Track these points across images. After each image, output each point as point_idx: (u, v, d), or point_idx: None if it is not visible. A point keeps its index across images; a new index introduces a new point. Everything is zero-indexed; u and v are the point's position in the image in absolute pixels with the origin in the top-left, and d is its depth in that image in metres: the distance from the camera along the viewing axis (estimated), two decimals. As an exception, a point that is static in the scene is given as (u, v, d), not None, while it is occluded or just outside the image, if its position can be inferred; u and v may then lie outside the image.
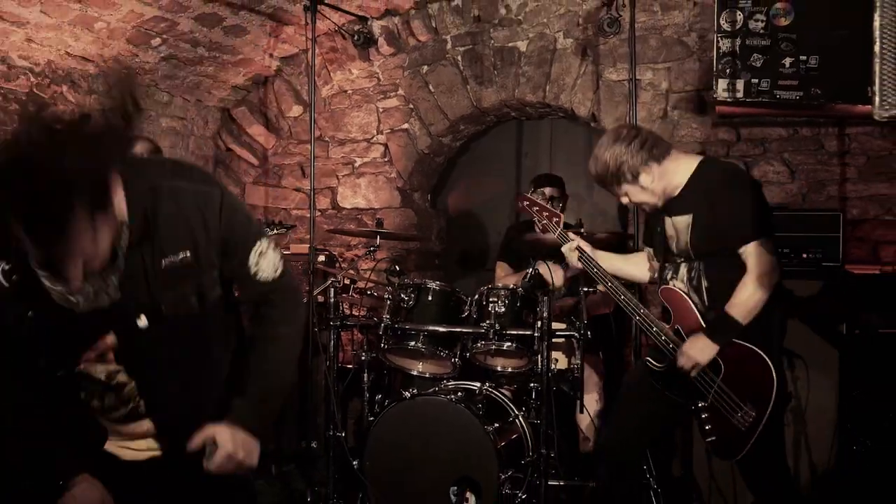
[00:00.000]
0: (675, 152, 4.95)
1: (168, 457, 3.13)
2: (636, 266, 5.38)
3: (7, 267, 2.77)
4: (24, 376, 3.02)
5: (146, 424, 3.09)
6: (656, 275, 5.22)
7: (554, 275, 6.54)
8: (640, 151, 4.80)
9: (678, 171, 4.89)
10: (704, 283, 4.81)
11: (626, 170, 4.81)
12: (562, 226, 5.43)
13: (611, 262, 5.26)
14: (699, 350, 4.72)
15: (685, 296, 4.84)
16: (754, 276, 4.63)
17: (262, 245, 3.17)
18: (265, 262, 3.15)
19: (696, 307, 4.81)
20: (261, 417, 3.10)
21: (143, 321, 2.89)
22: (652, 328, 4.93)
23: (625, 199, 5.01)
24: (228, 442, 2.90)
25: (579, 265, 5.19)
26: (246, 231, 3.16)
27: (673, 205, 4.92)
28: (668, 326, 4.91)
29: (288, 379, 3.41)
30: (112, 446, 3.12)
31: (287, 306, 3.34)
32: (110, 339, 2.96)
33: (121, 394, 3.02)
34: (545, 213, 5.49)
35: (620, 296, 5.05)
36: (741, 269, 4.68)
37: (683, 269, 4.90)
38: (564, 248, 5.23)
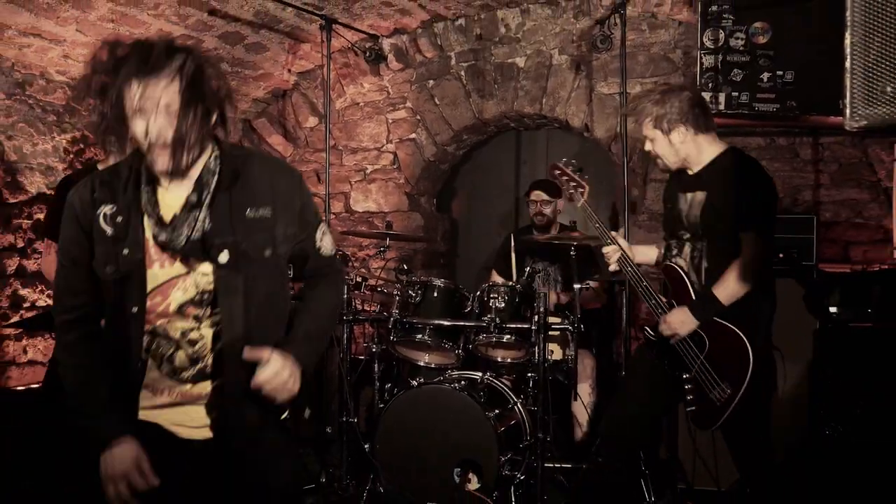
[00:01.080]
0: (713, 135, 4.91)
1: (223, 429, 3.10)
2: (654, 253, 5.38)
3: (112, 210, 2.98)
4: (100, 335, 3.14)
5: (210, 386, 3.07)
6: (662, 251, 5.22)
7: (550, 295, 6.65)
8: (689, 112, 4.78)
9: (707, 149, 4.87)
10: (704, 264, 4.80)
11: (666, 121, 4.78)
12: (586, 197, 5.40)
13: (638, 257, 5.25)
14: (679, 321, 4.74)
15: (684, 274, 4.85)
16: (745, 261, 4.61)
17: (324, 226, 3.30)
18: (327, 240, 3.32)
19: (693, 285, 4.81)
20: (306, 354, 3.11)
21: (224, 256, 2.94)
22: (652, 300, 4.93)
23: (648, 146, 4.97)
24: (279, 361, 2.91)
25: (619, 268, 5.17)
26: (315, 212, 3.31)
27: (691, 181, 4.91)
28: (664, 299, 4.92)
29: (328, 330, 3.49)
30: (168, 423, 3.09)
31: (337, 279, 3.52)
32: (189, 281, 3.00)
33: (193, 351, 3.02)
34: (573, 184, 5.48)
35: (643, 284, 5.02)
36: (737, 255, 4.68)
37: (687, 249, 4.89)
38: (607, 251, 5.19)
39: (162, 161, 2.84)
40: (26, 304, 6.79)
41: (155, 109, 2.79)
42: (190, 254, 2.96)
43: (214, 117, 2.97)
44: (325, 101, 7.47)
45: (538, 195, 7.46)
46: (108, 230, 2.97)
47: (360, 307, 7.27)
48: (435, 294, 6.82)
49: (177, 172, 2.88)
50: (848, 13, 2.53)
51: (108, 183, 3.05)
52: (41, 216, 6.66)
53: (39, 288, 6.81)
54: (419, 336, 6.74)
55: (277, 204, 3.09)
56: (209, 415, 3.10)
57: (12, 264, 6.66)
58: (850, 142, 7.31)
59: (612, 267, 5.18)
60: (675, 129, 4.80)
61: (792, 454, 6.27)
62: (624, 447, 5.10)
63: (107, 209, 2.99)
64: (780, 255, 6.61)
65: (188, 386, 3.06)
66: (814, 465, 6.23)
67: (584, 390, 6.94)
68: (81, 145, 7.18)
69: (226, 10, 6.86)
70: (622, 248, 5.12)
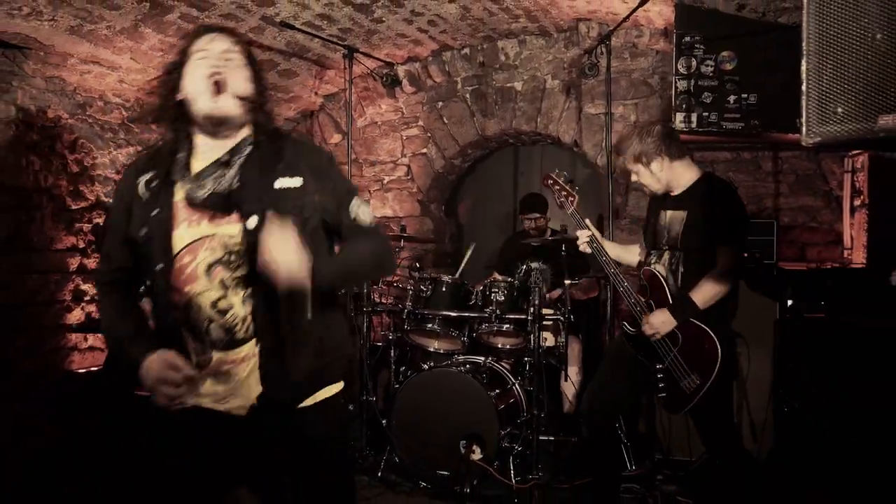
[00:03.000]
0: (687, 160, 4.98)
1: (266, 394, 2.92)
2: (631, 253, 5.39)
3: (149, 177, 2.94)
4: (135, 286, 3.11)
5: (243, 351, 2.88)
6: (644, 259, 5.25)
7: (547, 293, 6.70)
8: (661, 144, 4.88)
9: (685, 174, 4.95)
10: (681, 270, 4.83)
11: (644, 155, 4.89)
12: (575, 205, 5.42)
13: (613, 249, 5.28)
14: (660, 322, 4.76)
15: (662, 279, 4.87)
16: (719, 272, 4.68)
17: (359, 199, 3.10)
18: (364, 210, 3.08)
19: (669, 288, 4.83)
20: (332, 273, 2.89)
21: (252, 222, 2.79)
22: (630, 298, 4.95)
23: (634, 177, 5.07)
24: (292, 240, 2.64)
25: (589, 250, 5.19)
26: (350, 186, 3.16)
27: (673, 201, 4.96)
28: (644, 299, 4.94)
29: (364, 269, 3.20)
30: (212, 402, 2.96)
31: (378, 238, 3.20)
32: (216, 242, 2.86)
33: (224, 321, 2.85)
34: (564, 193, 5.50)
35: (611, 269, 5.06)
36: (711, 265, 4.72)
37: (667, 256, 4.91)
38: (580, 233, 5.23)
39: (207, 104, 2.85)
40: (86, 298, 6.80)
41: (217, 50, 2.89)
42: (213, 207, 2.85)
43: (257, 96, 2.96)
44: (347, 121, 7.47)
45: (534, 216, 7.49)
46: (145, 195, 2.93)
47: (378, 300, 7.27)
48: (443, 289, 6.85)
49: (222, 120, 2.88)
50: (804, 44, 2.53)
51: (151, 156, 3.06)
52: (100, 220, 6.67)
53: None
54: (430, 325, 6.78)
55: (307, 176, 2.96)
56: (247, 383, 2.93)
57: (74, 262, 6.67)
58: (805, 156, 7.32)
59: (582, 247, 5.22)
60: (653, 161, 4.90)
61: (756, 429, 6.27)
62: (600, 421, 5.10)
63: (146, 177, 2.96)
64: (745, 255, 6.62)
65: (222, 354, 2.90)
66: (776, 438, 6.24)
67: (573, 372, 6.95)
68: (135, 158, 7.18)
69: (261, 41, 6.87)
70: (593, 233, 5.17)
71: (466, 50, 8.44)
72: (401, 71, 8.65)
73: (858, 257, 6.85)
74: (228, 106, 2.86)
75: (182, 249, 2.87)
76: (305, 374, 3.00)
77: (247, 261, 2.82)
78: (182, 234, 2.87)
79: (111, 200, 3.07)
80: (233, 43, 2.95)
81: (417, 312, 6.81)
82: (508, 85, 8.39)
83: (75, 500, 5.80)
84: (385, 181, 9.07)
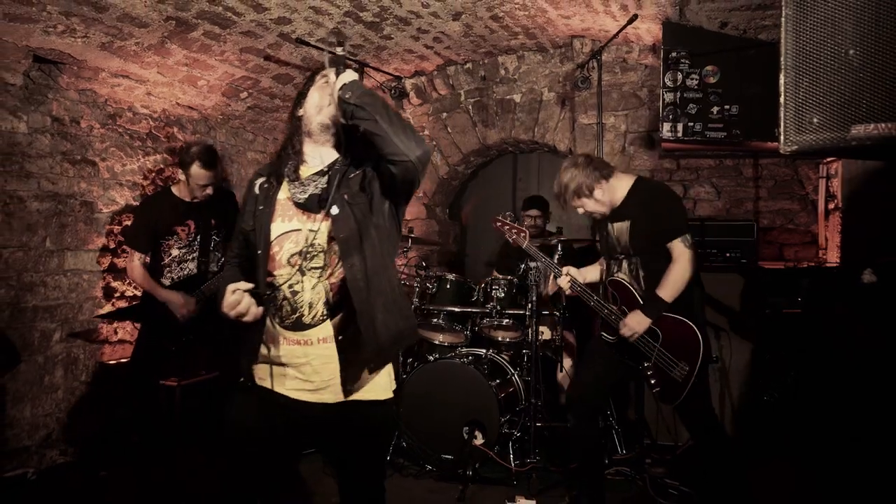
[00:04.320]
0: (617, 172, 5.00)
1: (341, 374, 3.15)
2: (596, 271, 5.40)
3: (263, 181, 3.31)
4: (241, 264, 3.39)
5: (304, 335, 3.11)
6: (604, 270, 5.26)
7: (549, 284, 6.71)
8: (593, 172, 4.88)
9: (619, 186, 4.95)
10: (642, 273, 4.86)
11: (584, 187, 4.88)
12: (528, 239, 5.46)
13: (588, 275, 5.29)
14: (636, 322, 4.78)
15: (627, 284, 4.89)
16: (678, 264, 4.71)
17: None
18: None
19: (636, 291, 4.85)
20: (367, 94, 3.08)
21: (335, 209, 3.07)
22: (604, 310, 4.97)
23: (580, 210, 5.04)
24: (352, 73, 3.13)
25: (571, 292, 5.21)
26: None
27: (615, 214, 4.97)
28: (616, 307, 4.95)
29: (395, 114, 3.14)
30: (287, 389, 3.16)
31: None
32: (300, 236, 3.14)
33: (294, 301, 3.11)
34: (514, 231, 5.54)
35: (592, 299, 5.06)
36: (668, 260, 4.75)
37: (625, 264, 4.93)
38: (560, 281, 5.23)
39: (327, 112, 3.19)
40: (117, 294, 6.80)
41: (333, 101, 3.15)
42: (308, 206, 3.14)
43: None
44: (358, 130, 7.46)
45: (533, 212, 7.47)
46: (259, 195, 3.28)
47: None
48: (448, 286, 6.88)
49: (328, 125, 3.20)
50: (782, 59, 2.53)
51: (267, 167, 3.39)
52: (129, 223, 6.67)
53: (127, 281, 6.83)
54: (435, 320, 6.80)
55: (369, 163, 3.19)
56: (319, 369, 3.14)
57: (105, 262, 6.67)
58: (783, 162, 7.32)
59: (567, 292, 5.23)
60: (594, 189, 4.91)
61: (737, 416, 6.28)
62: (586, 409, 5.11)
63: (261, 180, 3.31)
64: (727, 255, 6.63)
65: (290, 333, 3.13)
66: (755, 425, 6.25)
67: (568, 364, 6.94)
68: (161, 166, 7.19)
69: (278, 56, 6.87)
70: (572, 277, 5.18)
71: (469, 65, 8.44)
72: (408, 84, 8.65)
73: (833, 257, 6.84)
74: (335, 116, 3.16)
75: (275, 239, 3.17)
76: (367, 357, 3.15)
77: (323, 251, 3.11)
78: (276, 227, 3.19)
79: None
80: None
81: (424, 308, 6.84)
82: (508, 97, 8.39)
83: (107, 482, 5.82)
84: (393, 186, 9.06)
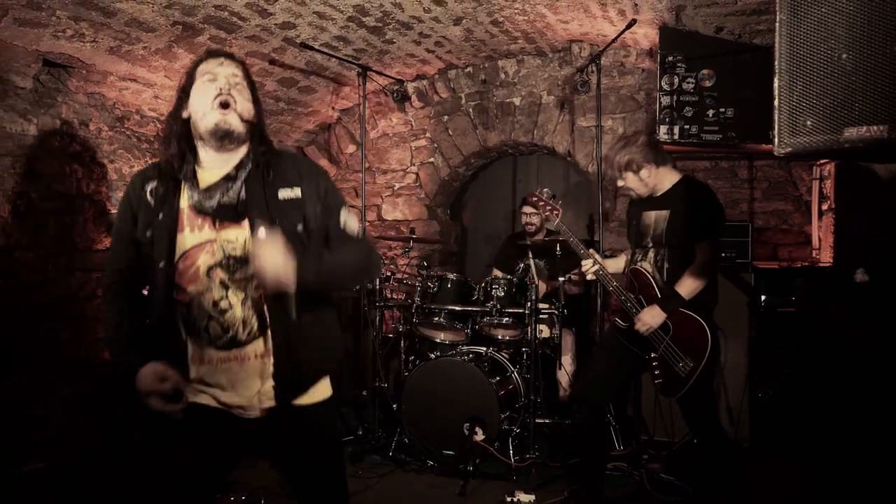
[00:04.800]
0: (670, 165, 5.04)
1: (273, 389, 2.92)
2: (620, 262, 5.40)
3: (155, 185, 2.96)
4: (138, 293, 3.09)
5: (243, 351, 2.87)
6: (630, 257, 5.26)
7: (540, 284, 6.71)
8: (649, 153, 4.95)
9: (667, 178, 5.00)
10: (666, 266, 4.87)
11: (634, 163, 4.93)
12: (560, 218, 5.44)
13: (611, 266, 5.28)
14: (651, 316, 4.79)
15: (649, 275, 4.90)
16: (700, 265, 4.73)
17: (347, 211, 3.11)
18: (352, 221, 3.07)
19: (657, 283, 4.86)
20: (318, 271, 2.83)
21: (262, 232, 2.70)
22: (622, 296, 4.97)
23: (621, 182, 5.11)
24: (278, 244, 2.66)
25: (595, 278, 5.20)
26: (338, 199, 3.13)
27: (656, 202, 5.01)
28: (633, 295, 4.95)
29: (347, 272, 3.10)
30: (215, 401, 2.95)
31: (368, 248, 3.23)
32: (216, 246, 2.88)
33: (223, 319, 2.85)
34: (549, 208, 5.52)
35: (613, 285, 5.07)
36: (692, 259, 4.76)
37: (651, 254, 4.95)
38: (585, 264, 5.21)
39: (215, 117, 2.88)
40: (125, 293, 6.81)
41: (224, 74, 2.94)
42: (221, 216, 2.87)
43: (256, 116, 3.01)
44: (361, 133, 7.46)
45: (528, 209, 7.47)
46: (151, 201, 2.94)
47: (389, 295, 7.30)
48: (449, 285, 6.89)
49: (227, 133, 2.89)
50: (776, 63, 2.53)
51: (157, 166, 3.05)
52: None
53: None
54: (436, 318, 6.82)
55: (304, 188, 2.99)
56: (248, 382, 2.93)
57: (113, 262, 6.68)
58: (777, 164, 7.32)
59: (590, 277, 5.21)
60: (642, 168, 4.94)
61: (733, 413, 6.28)
62: (593, 406, 5.10)
63: (152, 185, 2.97)
64: (724, 255, 6.63)
65: (219, 352, 2.89)
66: (751, 421, 6.25)
67: (567, 361, 6.96)
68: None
69: (283, 60, 6.87)
70: (598, 261, 5.17)
71: (470, 68, 8.44)
72: (410, 87, 8.65)
73: (826, 257, 6.85)
74: (233, 122, 2.89)
75: (185, 252, 2.89)
76: (304, 369, 3.01)
77: (246, 263, 2.83)
78: (185, 238, 2.90)
79: (119, 207, 3.06)
80: (237, 67, 3.01)
81: (425, 307, 6.85)
82: (508, 100, 8.39)
83: (111, 479, 5.82)
84: (396, 188, 9.07)
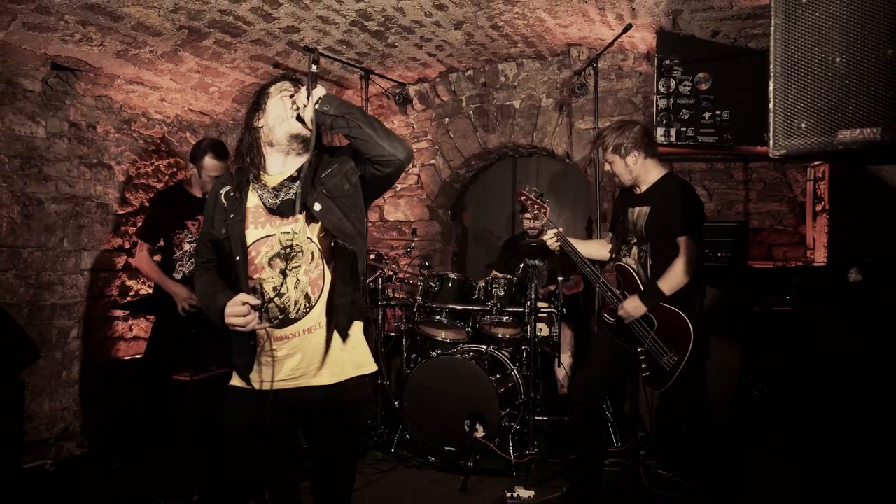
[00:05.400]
0: (657, 160, 5.05)
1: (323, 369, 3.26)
2: (601, 247, 5.43)
3: (228, 189, 3.33)
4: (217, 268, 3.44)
5: (292, 329, 3.20)
6: (613, 254, 5.28)
7: (540, 287, 6.74)
8: (640, 141, 4.96)
9: (652, 172, 5.01)
10: (649, 262, 4.89)
11: (623, 148, 4.95)
12: (548, 216, 5.47)
13: (582, 247, 5.29)
14: (632, 307, 4.83)
15: (633, 271, 4.92)
16: (682, 260, 4.74)
17: None
18: None
19: (640, 279, 4.89)
20: (346, 104, 3.20)
21: (317, 206, 3.16)
22: (608, 292, 4.99)
23: (607, 167, 5.13)
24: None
25: (558, 245, 5.23)
26: None
27: (639, 198, 5.02)
28: (619, 291, 4.98)
29: (377, 124, 3.27)
30: (273, 382, 3.24)
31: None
32: (274, 240, 3.21)
33: (281, 301, 3.17)
34: (536, 206, 5.55)
35: (587, 269, 5.12)
36: (676, 254, 4.77)
37: (635, 250, 4.97)
38: (548, 232, 5.27)
39: (292, 125, 3.26)
40: (131, 293, 6.82)
41: (297, 93, 3.31)
42: (283, 211, 3.18)
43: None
44: (364, 135, 7.46)
45: (528, 215, 7.46)
46: (225, 203, 3.30)
47: (391, 295, 7.29)
48: (450, 285, 6.89)
49: (301, 138, 3.27)
50: (771, 66, 2.54)
51: (229, 177, 3.44)
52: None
53: (141, 280, 6.84)
54: (437, 317, 6.82)
55: (340, 161, 3.30)
56: (302, 355, 3.24)
57: (120, 261, 6.68)
58: (772, 166, 7.32)
59: (551, 243, 5.28)
60: (630, 154, 4.96)
61: (727, 410, 6.28)
62: (587, 405, 5.12)
63: (226, 189, 3.34)
64: (719, 255, 6.63)
65: (279, 331, 3.21)
66: (745, 419, 6.25)
67: (565, 359, 6.96)
68: (174, 169, 7.20)
69: (287, 64, 6.88)
70: (559, 232, 5.25)
71: (470, 72, 8.44)
72: (412, 90, 8.64)
73: (820, 257, 6.85)
74: (304, 130, 3.25)
75: (251, 245, 3.23)
76: (350, 344, 3.31)
77: (301, 251, 3.19)
78: (251, 233, 3.24)
79: (204, 207, 3.38)
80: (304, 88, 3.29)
81: (426, 306, 6.85)
82: (508, 103, 8.39)
83: (122, 474, 5.83)
84: (398, 189, 9.07)
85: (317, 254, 3.22)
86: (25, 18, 5.15)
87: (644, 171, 5.00)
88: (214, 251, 3.39)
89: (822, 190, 6.84)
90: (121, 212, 6.67)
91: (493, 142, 8.50)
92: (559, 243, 5.24)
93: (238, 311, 3.06)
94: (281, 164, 3.31)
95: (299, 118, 3.23)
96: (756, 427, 6.19)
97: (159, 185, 7.00)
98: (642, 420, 6.47)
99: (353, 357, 3.32)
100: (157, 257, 6.00)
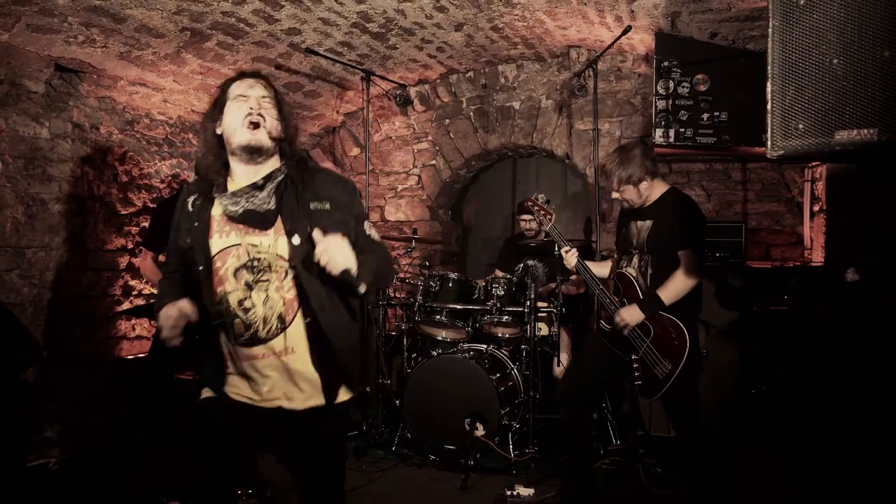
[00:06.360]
0: (659, 177, 5.06)
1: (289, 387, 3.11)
2: (606, 268, 5.42)
3: (195, 198, 3.16)
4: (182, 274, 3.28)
5: (261, 350, 3.03)
6: (614, 264, 5.29)
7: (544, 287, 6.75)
8: (650, 167, 4.95)
9: (656, 189, 5.01)
10: (650, 271, 4.89)
11: (636, 177, 4.92)
12: (553, 221, 5.48)
13: (594, 268, 5.28)
14: (630, 315, 4.81)
15: (633, 278, 4.92)
16: (682, 272, 4.74)
17: (369, 222, 3.30)
18: (374, 231, 3.27)
19: (640, 287, 4.88)
20: (362, 263, 2.88)
21: (296, 239, 2.97)
22: (606, 299, 4.99)
23: (615, 195, 5.09)
24: (338, 237, 2.85)
25: (574, 262, 5.22)
26: (363, 211, 3.30)
27: (643, 212, 5.02)
28: (617, 298, 4.98)
29: (382, 271, 3.19)
30: (243, 396, 3.13)
31: (387, 253, 3.36)
32: (241, 250, 3.04)
33: (246, 318, 3.01)
34: (542, 212, 5.56)
35: (586, 274, 5.12)
36: (676, 266, 4.77)
37: (636, 260, 4.97)
38: (566, 252, 5.27)
39: (245, 135, 3.02)
40: (134, 293, 6.82)
41: (254, 96, 3.07)
42: (245, 221, 3.03)
43: (285, 132, 3.14)
44: (365, 136, 7.46)
45: (525, 216, 7.44)
46: (192, 211, 3.14)
47: (392, 294, 7.30)
48: (450, 284, 6.89)
49: (257, 149, 3.04)
50: (769, 68, 2.54)
51: (197, 183, 3.23)
52: (146, 224, 6.70)
53: (144, 279, 6.85)
54: (438, 317, 6.82)
55: (333, 201, 3.12)
56: (272, 380, 3.09)
57: (123, 261, 6.69)
58: (770, 167, 7.33)
59: (568, 261, 5.26)
60: (642, 181, 4.94)
61: (725, 409, 6.28)
62: (575, 406, 5.13)
63: (192, 198, 3.17)
64: (717, 255, 6.63)
65: (246, 350, 3.06)
66: (743, 417, 6.25)
67: (565, 358, 6.94)
68: (177, 169, 7.21)
69: (289, 65, 6.88)
70: (577, 254, 5.23)
71: (471, 73, 8.44)
72: (412, 92, 8.65)
73: (817, 257, 6.85)
74: (262, 139, 3.03)
75: (215, 255, 3.06)
76: (332, 371, 3.13)
77: (269, 266, 3.02)
78: (215, 243, 3.07)
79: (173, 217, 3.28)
80: (266, 88, 3.14)
81: (427, 305, 6.84)
82: (508, 104, 8.39)
83: (124, 472, 5.83)
84: (398, 189, 9.07)
85: (290, 273, 3.03)
86: (29, 20, 5.16)
87: (650, 190, 5.01)
88: (181, 261, 3.23)
89: (820, 190, 6.84)
90: (123, 212, 6.67)
91: (494, 143, 8.50)
92: (576, 261, 5.23)
93: (169, 313, 2.93)
94: (246, 171, 3.10)
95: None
96: (754, 426, 6.18)
97: (162, 186, 7.00)
98: (641, 419, 6.47)
99: (331, 384, 3.14)
100: (162, 257, 6.02)
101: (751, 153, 6.89)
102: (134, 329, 6.84)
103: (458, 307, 6.84)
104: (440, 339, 6.93)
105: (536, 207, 5.66)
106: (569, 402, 5.15)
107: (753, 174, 7.44)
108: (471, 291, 6.94)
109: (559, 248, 5.37)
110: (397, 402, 6.56)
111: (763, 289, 6.27)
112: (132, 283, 6.81)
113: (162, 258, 5.98)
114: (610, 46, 6.59)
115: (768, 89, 2.55)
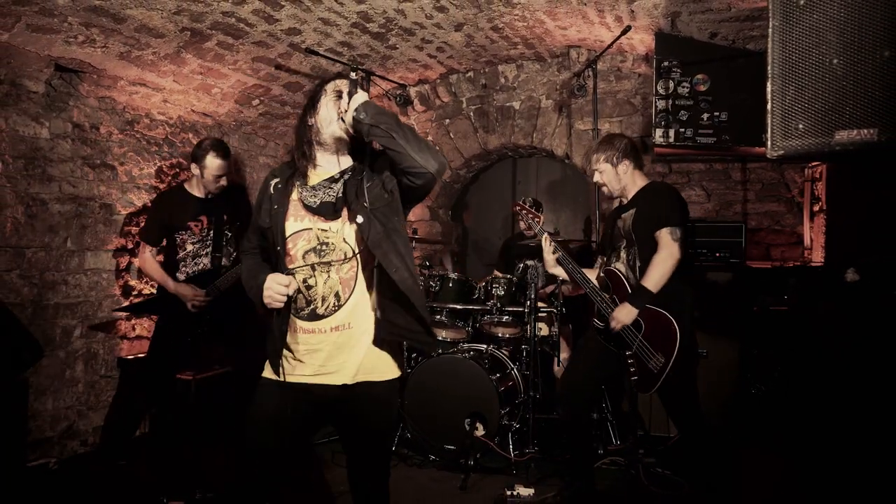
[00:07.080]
0: (642, 173, 5.14)
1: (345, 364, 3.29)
2: (593, 275, 5.42)
3: (278, 181, 3.45)
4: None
5: (319, 325, 3.25)
6: (603, 264, 5.30)
7: (542, 285, 6.73)
8: (629, 153, 5.05)
9: (639, 181, 5.07)
10: (638, 264, 4.89)
11: (614, 157, 5.02)
12: (542, 224, 5.49)
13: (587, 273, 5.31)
14: (624, 315, 4.81)
15: (621, 274, 4.94)
16: (662, 254, 4.74)
17: None
18: None
19: (629, 282, 4.91)
20: (382, 113, 3.16)
21: (360, 218, 3.18)
22: (597, 297, 5.00)
23: (596, 176, 5.15)
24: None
25: (556, 260, 5.23)
26: None
27: (626, 206, 5.06)
28: (608, 296, 4.98)
29: (412, 133, 3.25)
30: (300, 375, 3.30)
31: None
32: (311, 234, 3.29)
33: (307, 294, 3.26)
34: (530, 216, 5.57)
35: (578, 275, 5.11)
36: None
37: (623, 254, 4.99)
38: (546, 250, 5.28)
39: (339, 127, 3.26)
40: (134, 292, 6.81)
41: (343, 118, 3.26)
42: (321, 212, 3.27)
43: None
44: (365, 136, 7.46)
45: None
46: (274, 195, 3.41)
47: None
48: (450, 284, 6.90)
49: (345, 141, 3.33)
50: (769, 68, 2.54)
51: (281, 168, 3.56)
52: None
53: (144, 279, 6.84)
54: (438, 317, 6.83)
55: (380, 169, 3.30)
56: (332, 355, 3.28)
57: (123, 261, 6.68)
58: (770, 167, 7.32)
59: (549, 256, 5.26)
60: (621, 162, 5.03)
61: (725, 409, 6.28)
62: (573, 406, 5.13)
63: (275, 181, 3.46)
64: (717, 255, 6.63)
65: (306, 324, 3.27)
66: (743, 417, 6.25)
67: (564, 358, 6.95)
68: (177, 169, 7.20)
69: (288, 65, 6.88)
70: (552, 239, 5.27)
71: (471, 73, 8.45)
72: (412, 92, 8.65)
73: (817, 257, 6.85)
74: (345, 130, 3.28)
75: (289, 237, 3.32)
76: (380, 347, 3.35)
77: (342, 250, 3.26)
78: (290, 226, 3.33)
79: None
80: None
81: (427, 305, 6.82)
82: (508, 104, 8.39)
83: (125, 472, 5.83)
84: (398, 189, 9.07)
85: (349, 254, 3.25)
86: (29, 20, 5.15)
87: (631, 182, 5.06)
88: (262, 239, 3.52)
89: (820, 190, 6.84)
90: (124, 212, 6.67)
91: (493, 143, 8.50)
92: (553, 249, 5.25)
93: (280, 279, 3.20)
94: (329, 164, 3.39)
95: (343, 121, 3.26)
96: (754, 426, 6.19)
97: (162, 186, 7.00)
98: (641, 419, 6.47)
99: (380, 362, 3.33)
100: (161, 258, 6.02)
101: (751, 153, 6.89)
102: (134, 329, 6.83)
103: (459, 307, 6.85)
104: (440, 339, 6.93)
105: (524, 211, 5.69)
106: (568, 401, 5.15)
107: (753, 174, 7.44)
108: (471, 291, 6.95)
109: (544, 252, 5.37)
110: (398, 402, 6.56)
111: (763, 289, 6.27)
112: (132, 282, 6.80)
113: (160, 257, 5.98)
114: (610, 46, 6.59)
115: (768, 89, 2.56)
